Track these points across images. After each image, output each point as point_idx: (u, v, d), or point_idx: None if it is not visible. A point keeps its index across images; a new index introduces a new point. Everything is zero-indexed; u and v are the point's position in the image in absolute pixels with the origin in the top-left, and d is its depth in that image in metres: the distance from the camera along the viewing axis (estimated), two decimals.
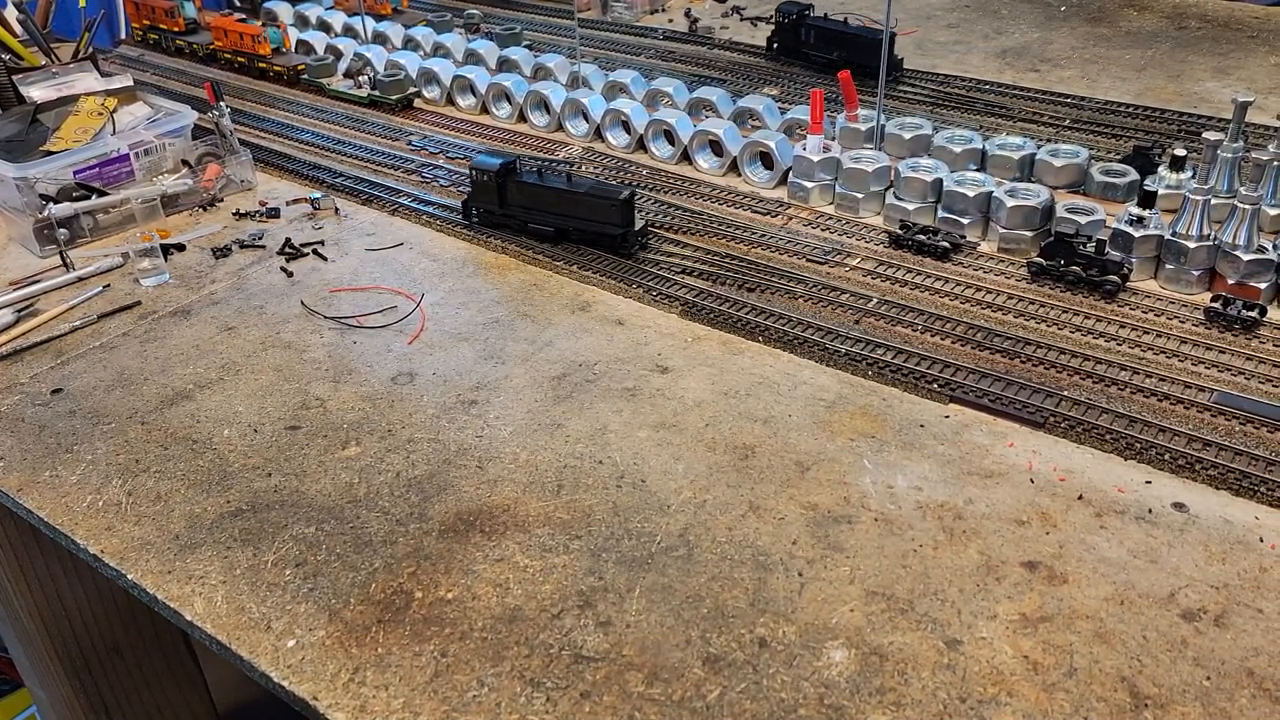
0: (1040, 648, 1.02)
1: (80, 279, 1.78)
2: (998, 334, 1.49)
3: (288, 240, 1.86)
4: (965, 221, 1.73)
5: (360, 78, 2.49)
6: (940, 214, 1.76)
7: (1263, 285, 1.50)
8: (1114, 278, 1.56)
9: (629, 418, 1.37)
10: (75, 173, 1.97)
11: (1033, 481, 1.23)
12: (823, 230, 1.81)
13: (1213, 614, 1.04)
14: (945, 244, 1.68)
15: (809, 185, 1.88)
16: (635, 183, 1.99)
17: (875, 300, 1.59)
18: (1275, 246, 1.53)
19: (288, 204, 2.01)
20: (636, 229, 1.74)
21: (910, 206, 1.77)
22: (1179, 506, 1.19)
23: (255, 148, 2.18)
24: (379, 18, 2.89)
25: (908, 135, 1.95)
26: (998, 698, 0.97)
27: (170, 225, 1.96)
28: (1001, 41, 2.66)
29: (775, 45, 2.57)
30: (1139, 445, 1.27)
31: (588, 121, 2.20)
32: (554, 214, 1.79)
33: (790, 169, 1.92)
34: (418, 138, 2.26)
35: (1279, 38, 2.57)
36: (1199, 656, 1.00)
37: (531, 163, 1.90)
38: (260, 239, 1.88)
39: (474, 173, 1.83)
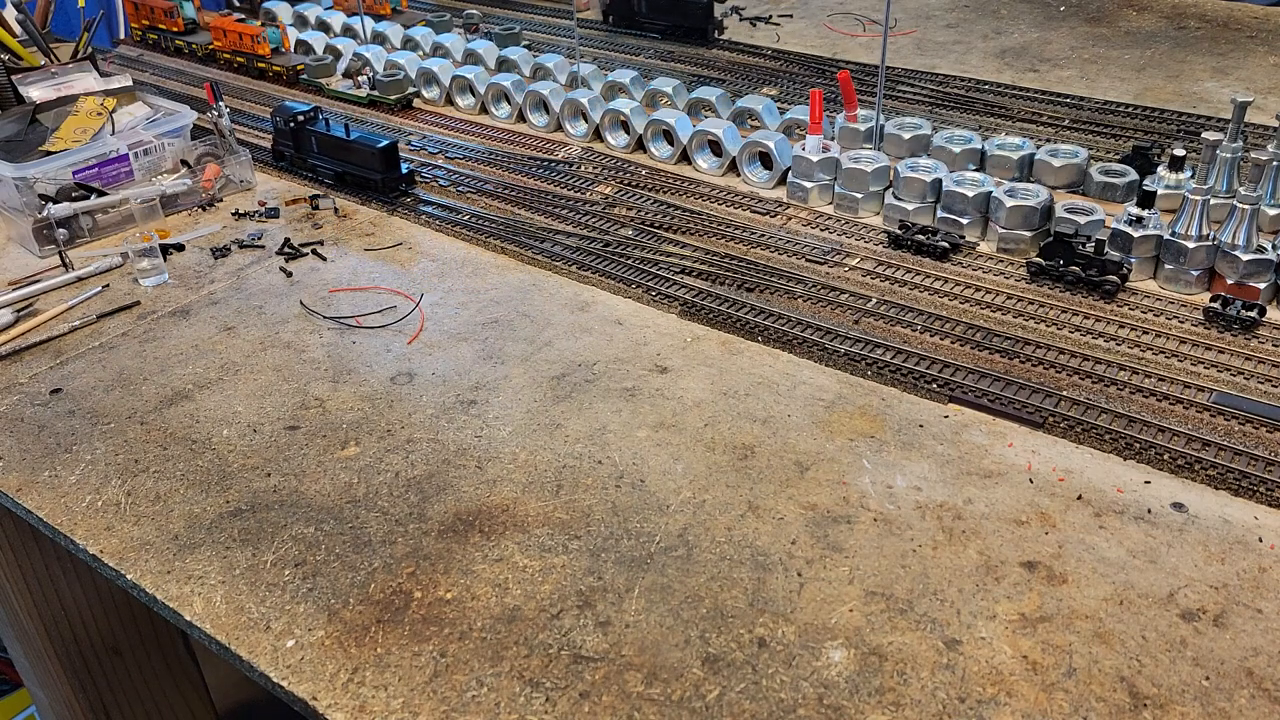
0: (1039, 648, 1.02)
1: (79, 279, 1.78)
2: (997, 334, 1.49)
3: (287, 240, 1.86)
4: (964, 221, 1.73)
5: (359, 78, 2.49)
6: (939, 214, 1.76)
7: (1262, 285, 1.50)
8: (1113, 278, 1.56)
9: (628, 418, 1.37)
10: (74, 173, 1.97)
11: (1032, 481, 1.23)
12: (822, 230, 1.81)
13: (1212, 614, 1.04)
14: (944, 244, 1.69)
15: (808, 185, 1.88)
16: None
17: (874, 300, 1.59)
18: (1274, 247, 1.53)
19: (287, 204, 2.01)
20: (401, 175, 2.00)
21: (909, 206, 1.78)
22: (1178, 506, 1.19)
23: (254, 148, 2.18)
24: (378, 18, 2.89)
25: (907, 135, 1.95)
26: (997, 698, 0.97)
27: (169, 225, 1.96)
28: (1001, 41, 2.66)
29: (610, 17, 2.83)
30: (1138, 445, 1.27)
31: (587, 122, 2.20)
32: (335, 160, 2.05)
33: (789, 169, 1.92)
34: (417, 138, 2.26)
35: (1278, 38, 2.57)
36: (1198, 656, 1.00)
37: (325, 114, 2.12)
38: (259, 239, 1.88)
39: (276, 119, 2.11)
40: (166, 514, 1.25)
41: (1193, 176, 1.70)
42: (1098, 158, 1.91)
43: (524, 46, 2.59)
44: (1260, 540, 1.13)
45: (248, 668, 1.05)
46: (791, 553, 1.14)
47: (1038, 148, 1.88)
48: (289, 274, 1.77)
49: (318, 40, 2.70)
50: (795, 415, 1.36)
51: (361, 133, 2.05)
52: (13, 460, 1.35)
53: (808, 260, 1.71)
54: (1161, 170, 1.77)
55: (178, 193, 2.01)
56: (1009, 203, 1.67)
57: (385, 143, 1.97)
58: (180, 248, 1.87)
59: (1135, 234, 1.58)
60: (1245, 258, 1.51)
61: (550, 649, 1.04)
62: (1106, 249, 1.58)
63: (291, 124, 2.07)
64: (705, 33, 2.64)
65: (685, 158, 2.08)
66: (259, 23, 2.80)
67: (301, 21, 2.91)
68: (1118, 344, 1.46)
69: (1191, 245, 1.54)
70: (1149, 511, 1.18)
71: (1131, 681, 0.98)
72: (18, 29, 2.57)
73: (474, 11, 2.92)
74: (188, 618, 1.10)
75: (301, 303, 1.68)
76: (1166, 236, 1.57)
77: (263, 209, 1.99)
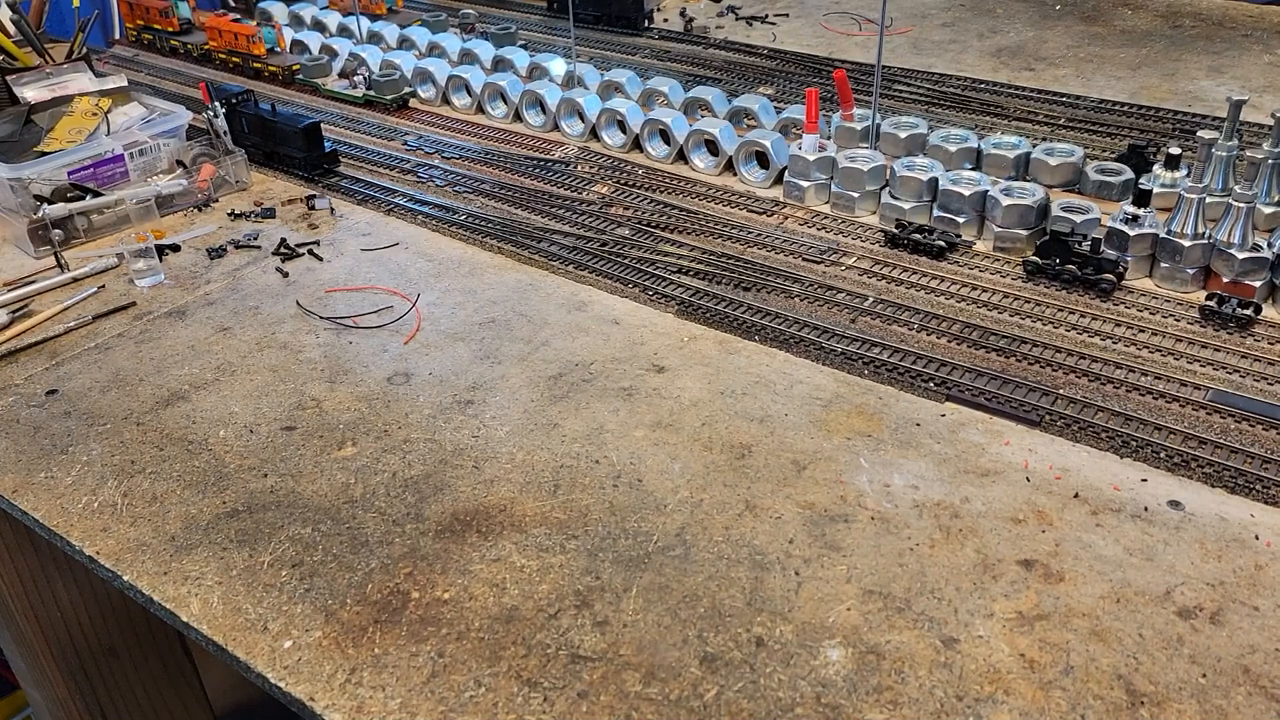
0: (1037, 646, 1.02)
1: (75, 280, 1.78)
2: (993, 333, 1.49)
3: (283, 240, 1.86)
4: (961, 220, 1.73)
5: (355, 77, 2.49)
6: (936, 213, 1.76)
7: (1257, 283, 1.51)
8: (1109, 276, 1.56)
9: (625, 417, 1.37)
10: (69, 173, 1.96)
11: (1029, 480, 1.23)
12: (818, 229, 1.81)
13: (1208, 611, 1.05)
14: (941, 243, 1.69)
15: (804, 184, 1.88)
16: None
17: (871, 299, 1.59)
18: (1270, 245, 1.53)
19: (283, 204, 2.01)
20: (323, 154, 2.11)
21: (906, 205, 1.78)
22: (1175, 504, 1.19)
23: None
24: (374, 17, 2.88)
25: (903, 134, 1.95)
26: (994, 696, 0.97)
27: (165, 226, 1.96)
28: (996, 40, 2.67)
29: (554, 4, 3.04)
30: (1135, 443, 1.27)
31: (583, 121, 2.20)
32: (264, 139, 2.15)
33: (786, 168, 1.92)
34: (413, 138, 2.26)
35: (1273, 36, 2.58)
36: (1195, 654, 1.00)
37: (256, 97, 2.21)
38: (255, 239, 1.88)
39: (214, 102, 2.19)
40: (163, 515, 1.25)
41: (1188, 175, 1.70)
42: (1093, 156, 1.91)
43: (520, 46, 2.58)
44: (1256, 537, 1.13)
45: (245, 668, 1.05)
46: (789, 552, 1.14)
47: (1034, 146, 1.89)
48: (285, 274, 1.77)
49: (313, 40, 2.69)
50: (792, 414, 1.36)
51: (286, 113, 2.14)
52: (8, 461, 1.35)
53: (804, 259, 1.71)
54: (1157, 169, 1.77)
55: (173, 193, 2.00)
56: (1005, 201, 1.67)
57: (307, 122, 2.07)
58: (176, 248, 1.87)
59: (1131, 232, 1.58)
60: (1240, 256, 1.51)
61: (548, 649, 1.04)
62: (1102, 247, 1.58)
63: (224, 106, 2.14)
64: (635, 21, 2.81)
65: (682, 157, 2.08)
66: (254, 22, 2.80)
67: (297, 21, 2.90)
68: (1114, 342, 1.46)
69: (1187, 244, 1.55)
70: (1146, 509, 1.18)
71: (1129, 679, 0.98)
72: (12, 29, 2.56)
73: (470, 11, 2.92)
74: (185, 618, 1.10)
75: (298, 303, 1.68)
76: (1162, 235, 1.57)
77: (258, 209, 1.98)
